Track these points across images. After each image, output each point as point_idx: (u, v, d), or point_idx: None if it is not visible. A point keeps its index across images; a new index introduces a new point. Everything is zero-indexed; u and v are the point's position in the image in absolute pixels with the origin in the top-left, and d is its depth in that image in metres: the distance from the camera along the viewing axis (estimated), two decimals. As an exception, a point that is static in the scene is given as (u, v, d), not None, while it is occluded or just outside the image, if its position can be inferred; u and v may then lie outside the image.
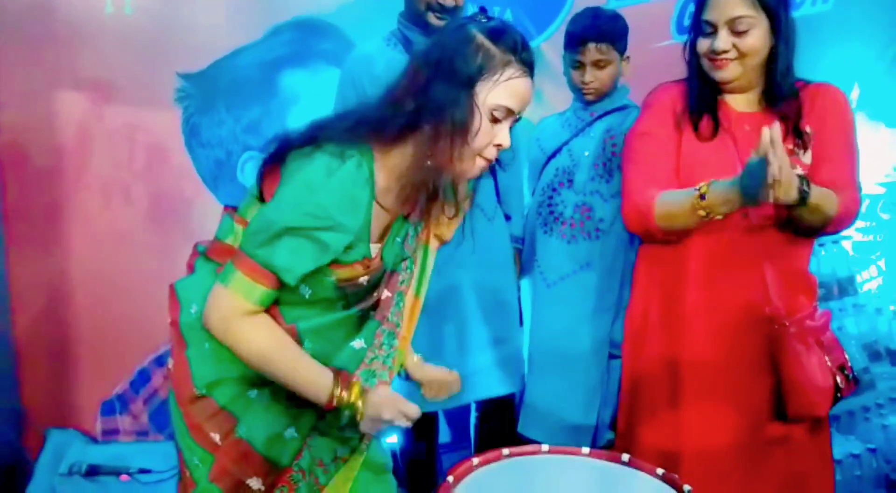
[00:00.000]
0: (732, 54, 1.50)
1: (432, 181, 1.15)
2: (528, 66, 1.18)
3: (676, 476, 1.28)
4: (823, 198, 1.43)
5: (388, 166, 1.18)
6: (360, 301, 1.23)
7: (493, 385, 2.01)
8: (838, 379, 1.49)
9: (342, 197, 1.11)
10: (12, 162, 2.35)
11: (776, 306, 1.49)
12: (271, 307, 1.19)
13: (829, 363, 1.48)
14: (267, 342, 1.15)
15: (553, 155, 2.07)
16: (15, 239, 2.37)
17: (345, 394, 1.16)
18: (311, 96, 2.48)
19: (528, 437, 1.99)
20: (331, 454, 1.26)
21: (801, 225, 1.49)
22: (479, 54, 1.13)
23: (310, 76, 2.50)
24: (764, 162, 1.28)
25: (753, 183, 1.32)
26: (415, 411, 1.18)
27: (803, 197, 1.37)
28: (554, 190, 2.04)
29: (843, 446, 2.34)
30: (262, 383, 1.20)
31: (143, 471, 2.26)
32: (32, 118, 2.36)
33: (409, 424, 1.18)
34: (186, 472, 1.25)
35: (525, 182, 2.17)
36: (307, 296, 1.19)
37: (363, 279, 1.21)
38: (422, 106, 1.13)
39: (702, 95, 1.58)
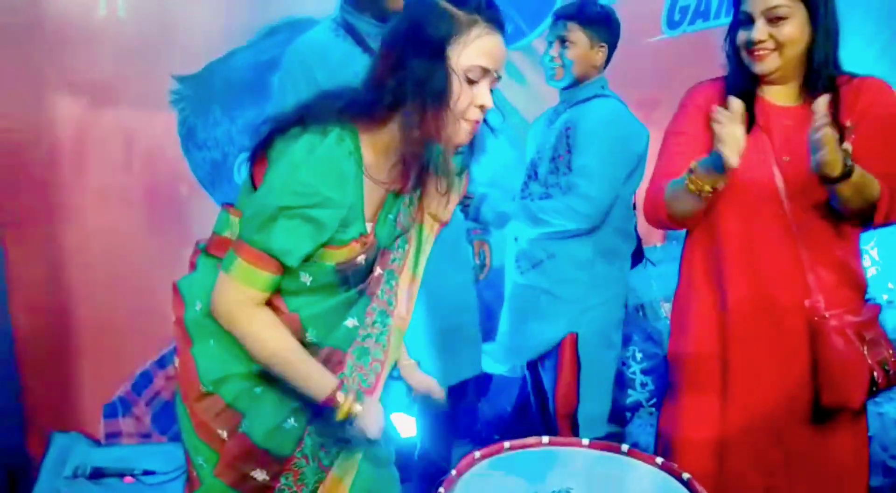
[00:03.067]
0: (770, 44, 1.49)
1: (421, 152, 1.17)
2: (496, 23, 1.17)
3: (675, 465, 1.31)
4: (866, 179, 1.43)
5: (374, 143, 1.19)
6: (360, 282, 1.25)
7: (456, 371, 2.04)
8: (875, 373, 1.49)
9: (326, 171, 1.13)
10: (6, 166, 2.34)
11: (815, 299, 1.51)
12: (274, 297, 1.20)
13: (867, 358, 1.48)
14: (273, 341, 1.17)
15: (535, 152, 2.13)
16: (13, 245, 2.37)
17: (340, 397, 1.17)
18: (305, 97, 2.49)
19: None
20: (332, 438, 1.27)
21: (843, 206, 1.48)
22: (444, 19, 1.14)
23: (304, 76, 2.51)
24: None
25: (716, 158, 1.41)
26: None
27: (847, 173, 1.38)
28: (525, 183, 2.11)
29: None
30: (268, 379, 1.21)
31: (147, 472, 2.26)
32: (26, 122, 2.35)
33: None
34: (192, 471, 1.27)
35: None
36: (308, 284, 1.20)
37: (360, 258, 1.22)
38: (401, 81, 1.14)
39: (739, 88, 1.56)
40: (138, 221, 2.47)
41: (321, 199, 1.13)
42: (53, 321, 2.44)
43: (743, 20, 1.51)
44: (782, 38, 1.48)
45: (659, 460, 1.32)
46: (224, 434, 1.22)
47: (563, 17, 2.01)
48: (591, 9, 2.02)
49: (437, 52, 1.13)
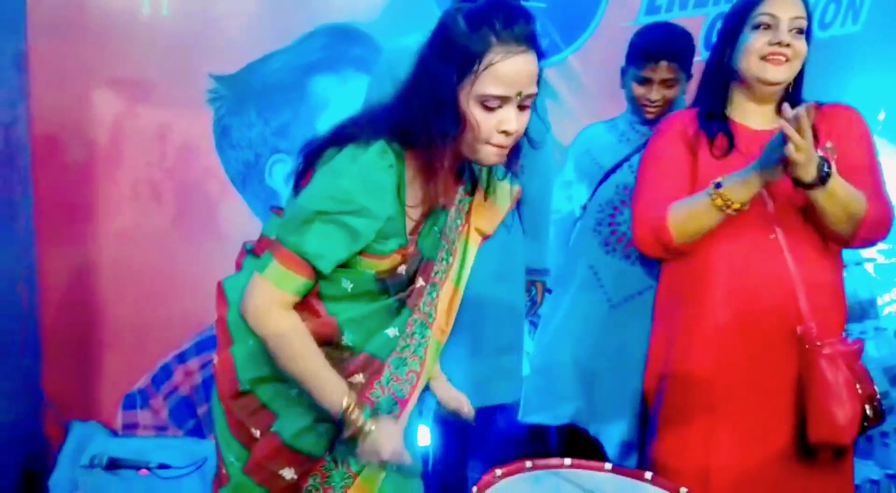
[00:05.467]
0: (790, 52, 1.49)
1: (438, 174, 1.16)
2: (517, 42, 1.10)
3: (699, 497, 1.29)
4: (847, 189, 1.43)
5: (416, 159, 1.19)
6: (399, 291, 1.25)
7: (497, 394, 2.01)
8: (867, 408, 1.45)
9: (365, 181, 1.13)
10: (45, 156, 2.38)
11: (808, 326, 1.47)
12: (315, 302, 1.21)
13: (859, 391, 1.44)
14: (294, 343, 1.17)
15: (613, 170, 1.98)
16: (44, 233, 2.40)
17: (355, 412, 1.16)
18: (341, 102, 2.50)
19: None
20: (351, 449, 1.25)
21: (822, 219, 1.47)
22: (457, 47, 1.10)
23: (340, 82, 2.52)
24: (783, 136, 1.33)
25: (773, 155, 1.37)
26: (406, 460, 1.19)
27: (823, 177, 1.38)
28: (615, 208, 1.94)
29: (861, 471, 2.31)
30: None
31: (162, 466, 2.28)
32: (66, 114, 2.39)
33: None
34: (223, 469, 1.27)
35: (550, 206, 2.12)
36: (349, 290, 1.21)
37: (401, 269, 1.22)
38: (411, 112, 1.14)
39: (715, 113, 1.58)
40: (168, 216, 2.50)
41: (357, 207, 1.13)
42: (78, 311, 2.46)
43: (761, 24, 1.50)
44: (800, 49, 1.50)
45: (683, 490, 1.31)
46: (257, 434, 1.23)
47: (666, 57, 1.87)
48: (684, 43, 1.91)
49: (446, 84, 1.11)
